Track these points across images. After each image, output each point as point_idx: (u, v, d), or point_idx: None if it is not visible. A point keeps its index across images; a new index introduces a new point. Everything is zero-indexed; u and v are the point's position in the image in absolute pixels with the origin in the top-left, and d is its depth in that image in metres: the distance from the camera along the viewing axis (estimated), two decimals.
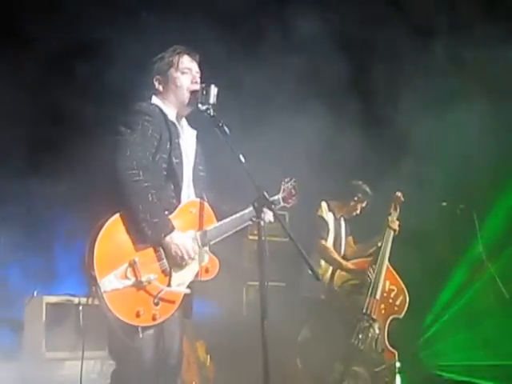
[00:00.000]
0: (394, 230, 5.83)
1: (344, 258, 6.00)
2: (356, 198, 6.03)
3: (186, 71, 3.76)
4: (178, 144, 3.66)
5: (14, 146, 6.55)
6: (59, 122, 6.70)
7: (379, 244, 5.82)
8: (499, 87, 6.47)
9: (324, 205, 5.98)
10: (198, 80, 3.75)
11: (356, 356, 5.48)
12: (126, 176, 3.35)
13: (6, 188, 6.31)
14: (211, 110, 3.59)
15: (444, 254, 7.02)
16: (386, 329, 5.60)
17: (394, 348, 5.57)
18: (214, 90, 3.62)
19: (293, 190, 4.13)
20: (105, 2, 6.49)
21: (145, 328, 3.40)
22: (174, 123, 3.69)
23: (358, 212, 6.10)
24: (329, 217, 5.98)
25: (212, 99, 3.60)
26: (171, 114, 3.72)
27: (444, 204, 5.84)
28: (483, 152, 6.97)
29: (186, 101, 3.72)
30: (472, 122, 6.71)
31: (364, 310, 5.57)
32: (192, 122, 3.89)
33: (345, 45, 6.81)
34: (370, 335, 5.53)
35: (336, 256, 5.84)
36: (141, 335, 3.37)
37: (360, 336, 5.50)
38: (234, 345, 6.79)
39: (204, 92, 3.62)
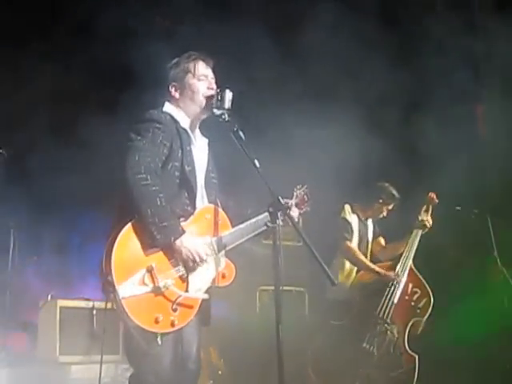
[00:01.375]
0: (424, 229, 5.77)
1: (373, 259, 5.95)
2: (380, 201, 5.96)
3: (203, 78, 3.76)
4: (190, 151, 3.66)
5: (27, 145, 6.58)
6: (77, 120, 6.73)
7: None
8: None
9: (347, 207, 5.95)
10: (214, 86, 3.76)
11: (369, 360, 5.41)
12: (135, 180, 3.36)
13: (20, 192, 6.33)
14: (226, 115, 3.59)
15: (458, 259, 6.99)
16: (407, 332, 5.51)
17: (414, 352, 5.47)
18: (228, 94, 3.62)
19: (305, 197, 4.14)
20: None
21: (163, 334, 3.40)
22: (185, 130, 3.70)
23: (385, 214, 6.03)
24: (352, 219, 5.94)
25: (227, 104, 3.60)
26: (183, 121, 3.73)
27: (458, 208, 5.81)
28: (497, 156, 6.97)
29: (202, 107, 3.72)
30: (487, 125, 6.71)
31: (378, 313, 5.51)
32: (205, 129, 3.90)
33: (371, 50, 6.81)
34: (386, 339, 5.46)
35: (361, 257, 5.81)
36: (160, 342, 3.38)
37: (375, 340, 5.45)
38: (247, 350, 6.78)
39: (219, 97, 3.62)
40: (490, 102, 7.23)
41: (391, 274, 5.62)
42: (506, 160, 6.90)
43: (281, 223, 3.66)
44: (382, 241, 6.19)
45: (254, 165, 3.45)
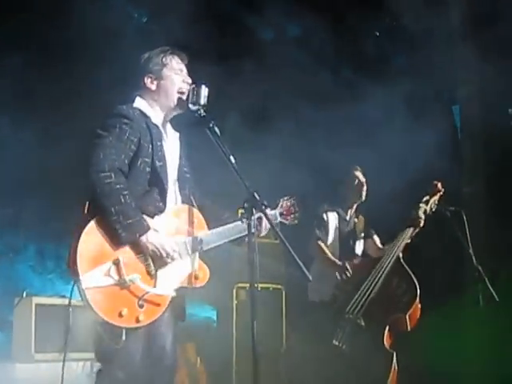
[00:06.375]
0: (415, 227, 5.54)
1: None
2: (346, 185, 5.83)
3: (179, 72, 3.77)
4: (161, 146, 3.65)
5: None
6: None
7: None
8: None
9: (324, 205, 5.82)
10: (190, 80, 3.76)
11: (339, 358, 5.13)
12: (98, 178, 3.36)
13: None
14: (202, 111, 3.60)
15: (434, 257, 7.04)
16: (387, 328, 5.20)
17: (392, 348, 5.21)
18: (204, 90, 3.63)
19: (292, 208, 4.14)
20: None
21: (129, 329, 3.37)
22: (156, 125, 3.69)
23: (363, 198, 5.84)
24: (329, 216, 5.81)
25: (203, 100, 3.61)
26: (155, 116, 3.72)
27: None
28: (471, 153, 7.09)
29: (176, 102, 3.73)
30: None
31: (349, 309, 5.25)
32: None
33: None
34: (358, 335, 5.18)
35: (329, 256, 5.63)
36: (124, 337, 3.35)
37: (346, 336, 5.18)
38: (224, 347, 6.79)
39: (195, 92, 3.63)
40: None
41: (342, 265, 5.46)
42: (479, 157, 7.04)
43: (263, 232, 3.79)
44: (377, 241, 5.99)
45: (230, 161, 3.46)
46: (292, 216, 4.14)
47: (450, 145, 7.01)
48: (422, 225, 5.58)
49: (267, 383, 3.52)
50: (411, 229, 5.56)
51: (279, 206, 4.09)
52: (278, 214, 4.05)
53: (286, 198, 4.15)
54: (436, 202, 5.72)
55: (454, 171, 7.13)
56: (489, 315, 5.69)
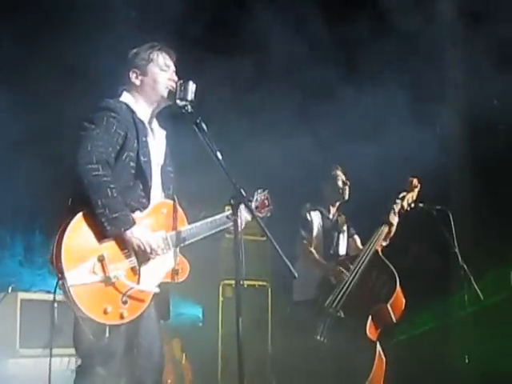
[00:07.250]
0: (390, 225, 5.56)
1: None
2: (327, 185, 5.85)
3: (165, 68, 3.76)
4: (146, 142, 3.64)
5: None
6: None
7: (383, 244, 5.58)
8: None
9: (307, 205, 5.84)
10: (176, 78, 3.75)
11: (323, 353, 5.18)
12: (85, 170, 3.32)
13: None
14: (189, 107, 3.58)
15: (420, 255, 7.06)
16: (369, 318, 5.24)
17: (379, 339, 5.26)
18: (192, 86, 3.61)
19: (266, 201, 4.15)
20: None
21: (112, 326, 3.35)
22: (142, 121, 3.67)
23: (346, 198, 5.87)
24: (313, 216, 5.83)
25: (190, 95, 3.59)
26: (140, 111, 3.71)
27: (421, 205, 5.83)
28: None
29: (162, 97, 3.72)
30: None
31: (328, 303, 5.30)
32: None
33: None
34: (339, 328, 5.20)
35: (316, 257, 5.64)
36: (108, 333, 3.33)
37: (327, 330, 5.22)
38: (210, 343, 6.80)
39: (182, 88, 3.62)
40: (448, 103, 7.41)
41: (341, 273, 5.42)
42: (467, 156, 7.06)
43: (248, 218, 3.74)
44: (357, 241, 6.02)
45: (217, 157, 3.45)
46: (266, 209, 4.14)
47: (437, 143, 7.02)
48: (394, 223, 5.60)
49: (252, 380, 3.53)
50: (386, 227, 5.58)
51: (254, 199, 4.09)
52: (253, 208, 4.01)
53: (259, 192, 4.14)
54: (413, 197, 5.75)
55: (441, 170, 7.14)
56: (474, 314, 5.72)
